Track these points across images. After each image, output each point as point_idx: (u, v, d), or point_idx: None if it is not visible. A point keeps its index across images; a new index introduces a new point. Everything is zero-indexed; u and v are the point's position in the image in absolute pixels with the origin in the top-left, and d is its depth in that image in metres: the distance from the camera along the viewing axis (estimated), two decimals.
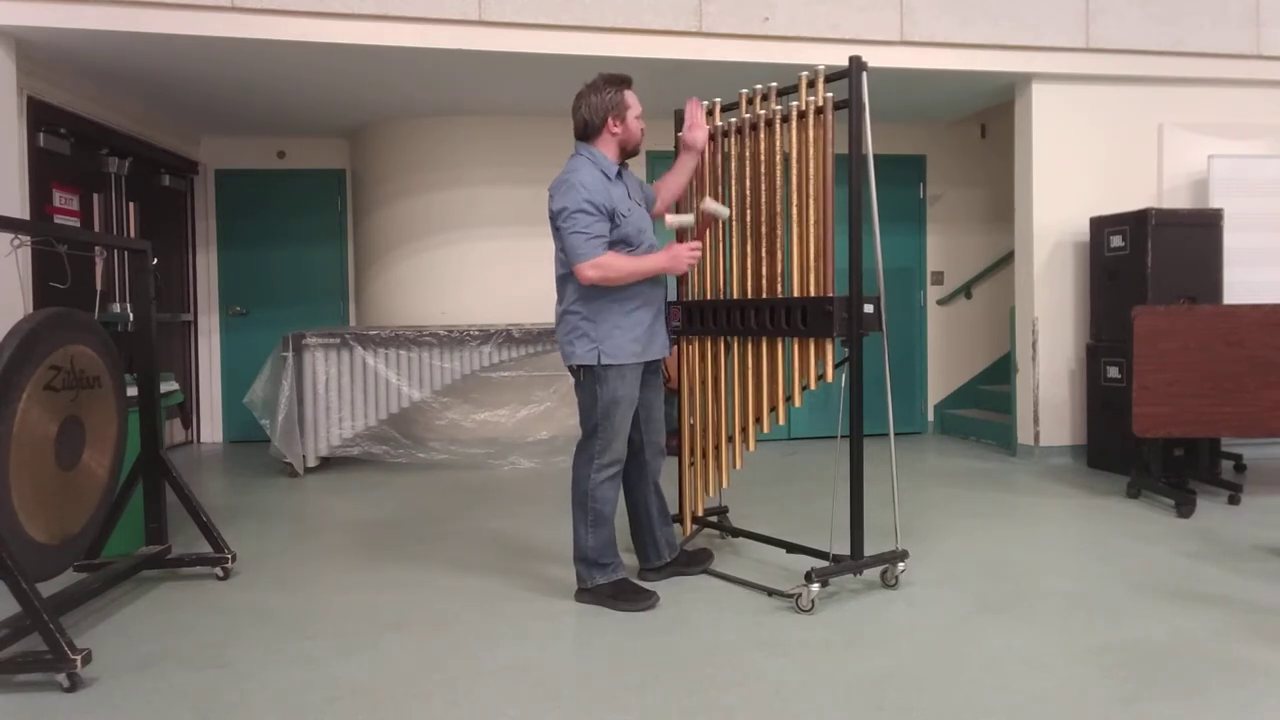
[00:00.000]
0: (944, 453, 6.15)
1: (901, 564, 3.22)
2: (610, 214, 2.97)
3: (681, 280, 3.63)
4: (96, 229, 5.69)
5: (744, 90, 3.39)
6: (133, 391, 3.50)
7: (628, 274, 2.99)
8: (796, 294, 3.16)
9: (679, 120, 3.71)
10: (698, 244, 3.12)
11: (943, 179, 7.08)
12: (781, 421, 3.28)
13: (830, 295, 3.05)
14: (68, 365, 2.83)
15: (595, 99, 3.03)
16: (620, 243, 3.01)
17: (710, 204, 3.30)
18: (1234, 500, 4.45)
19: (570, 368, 3.08)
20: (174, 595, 3.26)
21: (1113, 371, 5.18)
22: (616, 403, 3.02)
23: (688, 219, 3.37)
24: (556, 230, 2.99)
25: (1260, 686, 2.35)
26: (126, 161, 5.97)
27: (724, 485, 3.56)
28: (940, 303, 7.11)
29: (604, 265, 2.94)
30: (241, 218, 7.17)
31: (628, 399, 3.04)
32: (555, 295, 3.12)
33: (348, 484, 5.33)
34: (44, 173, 5.13)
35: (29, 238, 3.14)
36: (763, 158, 3.29)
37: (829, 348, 3.07)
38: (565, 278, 3.06)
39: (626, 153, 3.12)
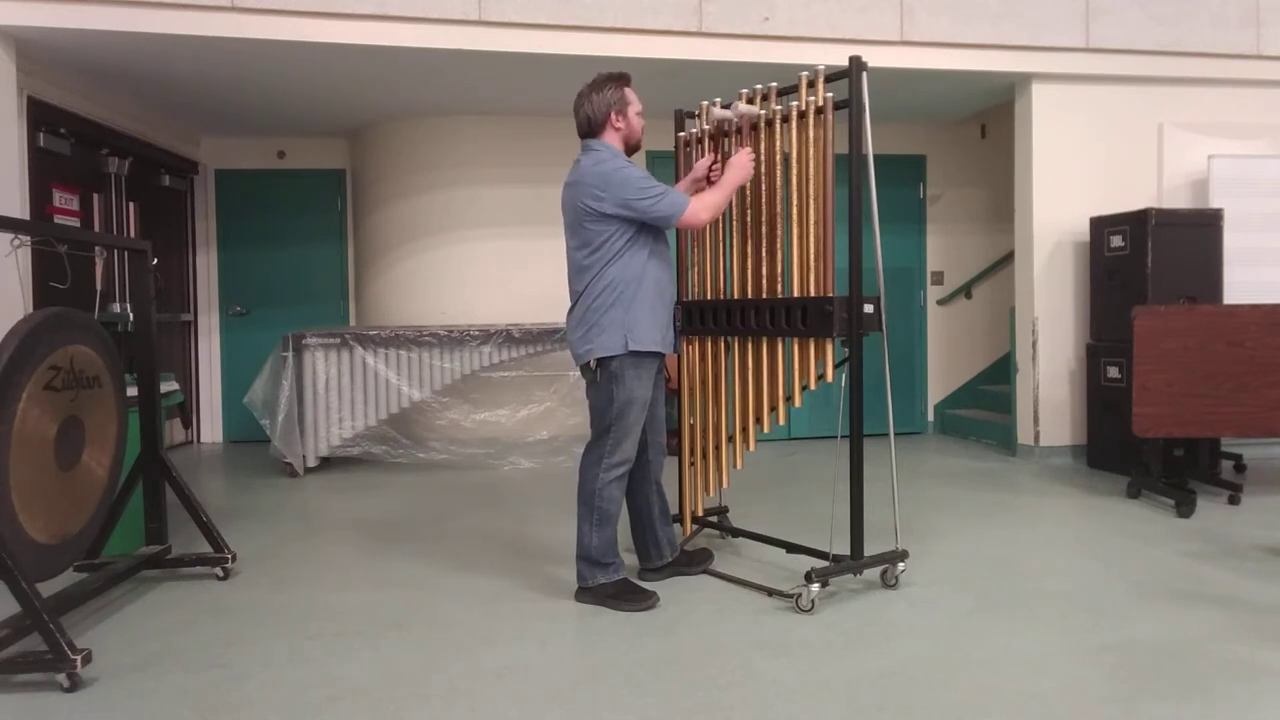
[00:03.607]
0: (944, 453, 6.15)
1: (901, 564, 3.22)
2: None
3: (681, 280, 3.64)
4: (96, 229, 5.69)
5: (744, 90, 3.39)
6: (133, 391, 3.50)
7: (722, 202, 3.12)
8: (796, 294, 3.16)
9: (679, 120, 3.72)
10: (748, 150, 3.21)
11: (943, 179, 7.08)
12: (781, 421, 3.28)
13: (830, 295, 3.05)
14: (68, 365, 2.83)
15: (597, 96, 3.06)
16: (644, 231, 3.03)
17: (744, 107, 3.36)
18: (1234, 500, 4.45)
19: (585, 367, 3.08)
20: (174, 595, 3.27)
21: (1113, 371, 5.18)
22: (631, 403, 3.02)
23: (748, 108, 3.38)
24: (612, 217, 2.95)
25: (1260, 686, 2.35)
26: (126, 161, 5.96)
27: (724, 485, 3.56)
28: (940, 303, 7.11)
29: (703, 205, 3.05)
30: (241, 218, 7.17)
31: (641, 400, 3.05)
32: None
33: (348, 484, 5.33)
34: (44, 173, 5.13)
35: (29, 238, 3.13)
36: (763, 158, 3.29)
37: (829, 348, 3.07)
38: (586, 269, 3.02)
39: (628, 149, 3.13)
